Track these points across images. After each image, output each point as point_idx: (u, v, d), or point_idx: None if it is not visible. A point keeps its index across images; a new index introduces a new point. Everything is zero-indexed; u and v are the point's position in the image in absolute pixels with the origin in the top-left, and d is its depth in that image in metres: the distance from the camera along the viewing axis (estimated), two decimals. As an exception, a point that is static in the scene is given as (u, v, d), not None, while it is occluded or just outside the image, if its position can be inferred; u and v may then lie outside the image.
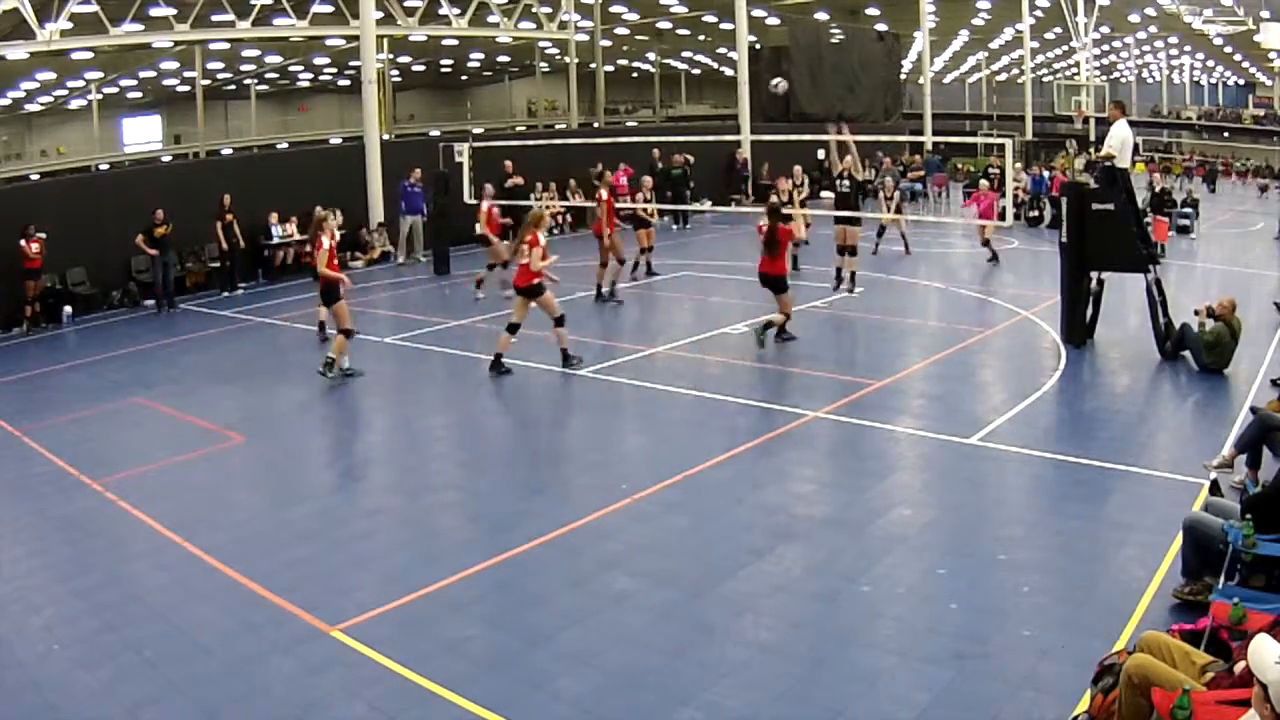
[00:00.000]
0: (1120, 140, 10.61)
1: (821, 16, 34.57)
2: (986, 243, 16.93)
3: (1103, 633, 4.88)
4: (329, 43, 29.60)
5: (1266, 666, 2.99)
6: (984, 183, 20.08)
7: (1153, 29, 41.77)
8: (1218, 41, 40.80)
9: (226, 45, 30.76)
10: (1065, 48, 43.71)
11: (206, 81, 37.80)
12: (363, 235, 18.60)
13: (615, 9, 36.68)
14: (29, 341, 13.72)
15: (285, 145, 38.57)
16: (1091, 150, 22.18)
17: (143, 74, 36.79)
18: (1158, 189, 23.18)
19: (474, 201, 15.04)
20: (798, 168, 17.16)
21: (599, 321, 13.36)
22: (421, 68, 47.44)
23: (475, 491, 7.46)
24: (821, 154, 27.65)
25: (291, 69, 42.54)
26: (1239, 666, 3.61)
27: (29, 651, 5.13)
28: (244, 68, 39.81)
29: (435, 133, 32.89)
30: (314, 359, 11.30)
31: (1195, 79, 54.09)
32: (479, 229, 14.93)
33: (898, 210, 18.84)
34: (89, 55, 28.95)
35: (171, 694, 4.68)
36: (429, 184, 18.00)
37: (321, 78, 45.97)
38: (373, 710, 4.52)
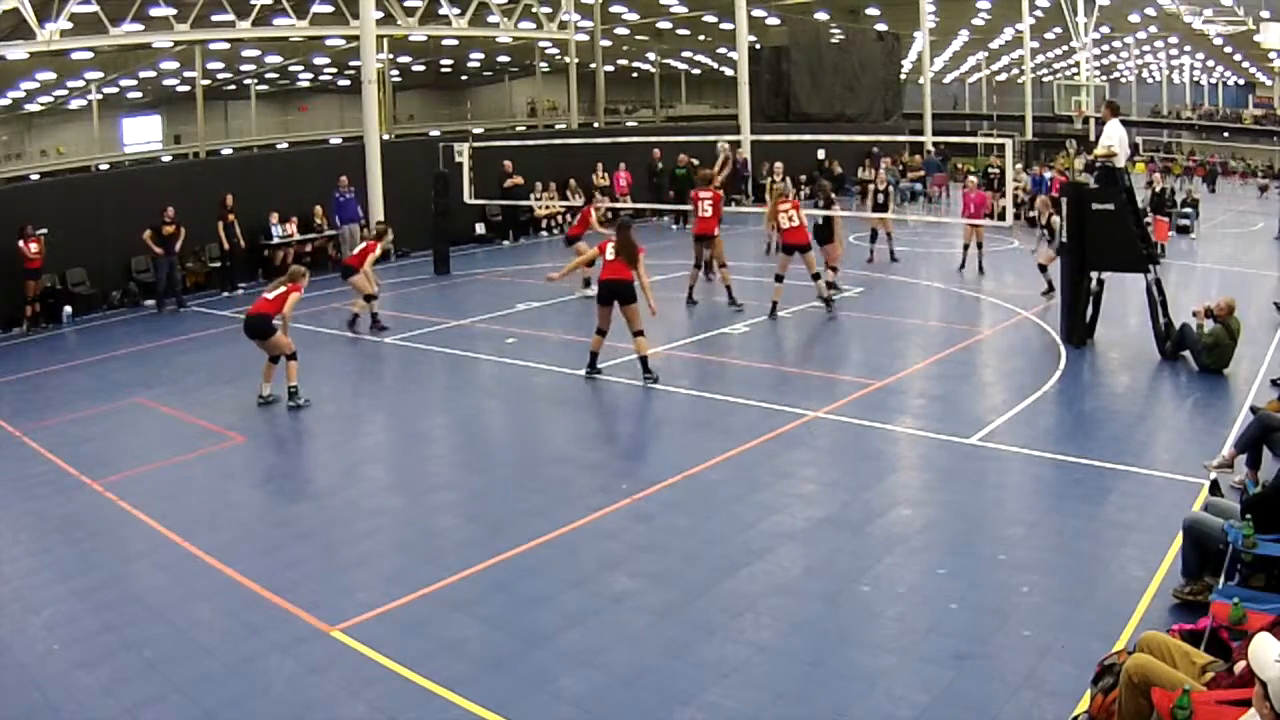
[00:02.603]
0: (1119, 138, 10.62)
1: (821, 16, 34.58)
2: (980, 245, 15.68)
3: (1103, 633, 4.88)
4: (329, 43, 29.63)
5: (1267, 664, 2.99)
6: (973, 179, 18.42)
7: (1153, 29, 41.79)
8: (1218, 41, 40.81)
9: (226, 45, 30.79)
10: (1065, 48, 43.71)
11: (206, 81, 37.81)
12: (363, 236, 18.58)
13: (615, 9, 36.68)
14: (29, 341, 13.72)
15: (285, 145, 38.57)
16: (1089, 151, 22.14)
17: (143, 74, 36.80)
18: (1158, 189, 23.17)
19: (474, 201, 14.94)
20: (779, 164, 16.99)
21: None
22: (421, 68, 47.46)
23: (475, 491, 7.46)
24: (821, 154, 27.72)
25: (291, 69, 42.57)
26: (1239, 666, 3.61)
27: (29, 651, 5.13)
28: (244, 68, 39.83)
29: (435, 133, 32.91)
30: (312, 359, 11.30)
31: (1195, 79, 54.09)
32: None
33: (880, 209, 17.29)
34: (89, 55, 28.98)
35: (171, 694, 4.68)
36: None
37: (321, 78, 45.99)
38: (373, 710, 4.52)
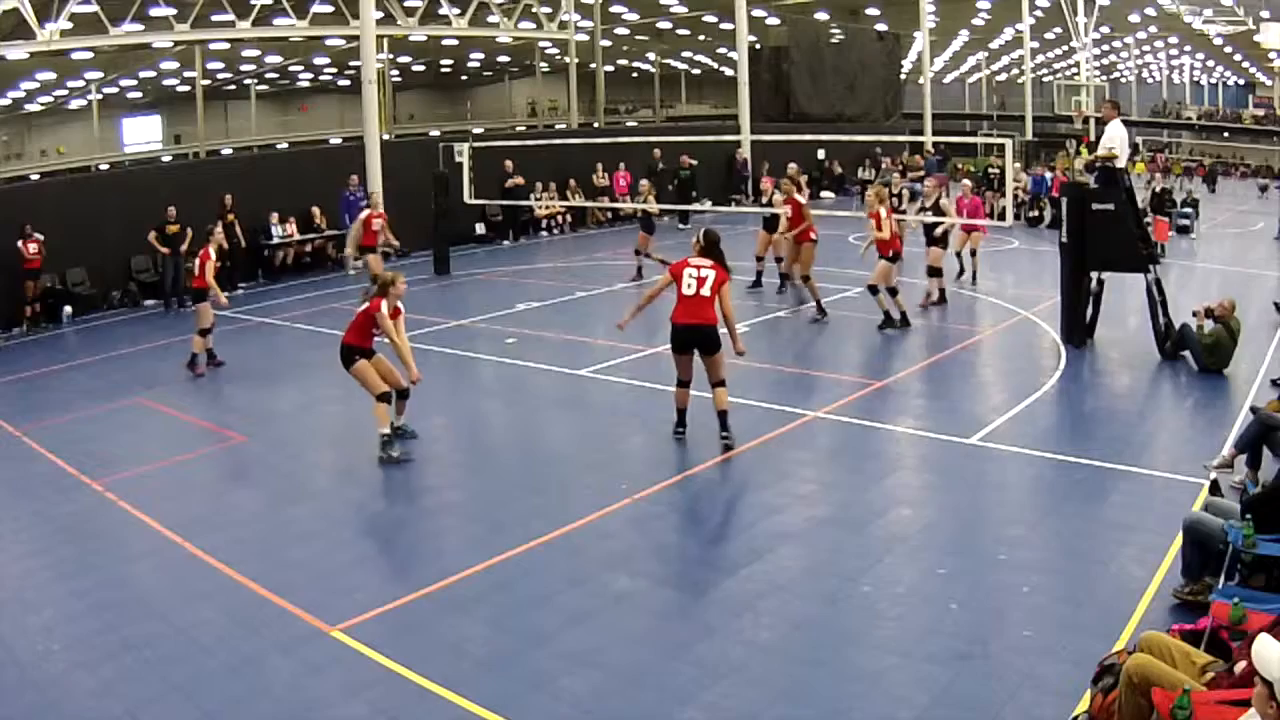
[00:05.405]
0: (1120, 138, 10.62)
1: (821, 16, 34.56)
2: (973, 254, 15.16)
3: (1103, 633, 4.88)
4: (329, 43, 29.59)
5: (1271, 665, 2.98)
6: (967, 182, 17.95)
7: (1153, 29, 41.78)
8: (1218, 41, 40.81)
9: (226, 45, 30.74)
10: (1065, 48, 43.72)
11: (206, 81, 37.77)
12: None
13: (615, 9, 36.67)
14: (29, 341, 13.72)
15: (285, 145, 38.56)
16: (1084, 150, 22.14)
17: (143, 74, 36.76)
18: (1158, 189, 23.16)
19: (474, 201, 14.87)
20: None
21: (598, 321, 13.35)
22: (421, 68, 47.44)
23: (475, 491, 7.46)
24: (821, 154, 27.73)
25: (291, 69, 42.52)
26: (1239, 666, 3.61)
27: (29, 651, 5.13)
28: (244, 68, 39.78)
29: (435, 133, 32.88)
30: (311, 358, 11.30)
31: (1195, 79, 54.11)
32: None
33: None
34: (89, 55, 28.93)
35: (171, 694, 4.68)
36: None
37: (321, 78, 45.94)
38: (373, 710, 4.52)
